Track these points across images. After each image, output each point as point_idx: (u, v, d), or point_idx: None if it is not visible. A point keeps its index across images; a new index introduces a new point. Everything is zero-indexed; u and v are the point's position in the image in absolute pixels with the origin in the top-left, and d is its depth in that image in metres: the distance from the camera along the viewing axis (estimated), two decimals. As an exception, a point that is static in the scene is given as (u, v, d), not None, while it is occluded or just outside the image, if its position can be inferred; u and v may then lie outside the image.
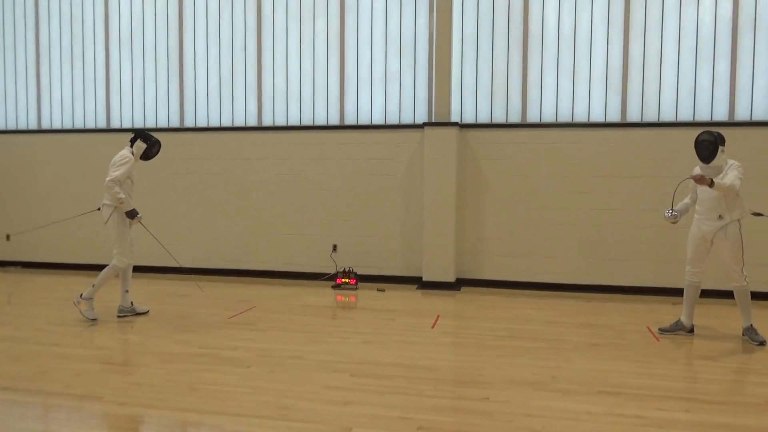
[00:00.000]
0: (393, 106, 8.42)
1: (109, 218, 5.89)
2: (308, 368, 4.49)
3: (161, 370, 4.45)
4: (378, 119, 8.46)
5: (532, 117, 7.99)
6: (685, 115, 7.60)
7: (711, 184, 5.00)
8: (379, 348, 5.09)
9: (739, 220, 5.23)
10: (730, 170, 5.16)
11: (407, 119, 8.36)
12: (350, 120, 8.54)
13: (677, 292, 6.21)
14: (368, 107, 8.49)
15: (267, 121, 8.83)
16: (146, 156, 6.08)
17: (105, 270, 5.91)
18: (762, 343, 5.22)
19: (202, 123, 9.06)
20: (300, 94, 8.71)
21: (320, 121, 8.65)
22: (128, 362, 4.72)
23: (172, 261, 7.98)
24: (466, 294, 7.67)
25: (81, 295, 5.95)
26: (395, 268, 8.30)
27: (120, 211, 5.87)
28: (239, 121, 8.92)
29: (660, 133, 7.53)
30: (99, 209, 6.06)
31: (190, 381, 4.19)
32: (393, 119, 8.41)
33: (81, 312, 5.94)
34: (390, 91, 8.41)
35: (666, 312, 6.47)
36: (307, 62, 8.67)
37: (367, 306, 6.94)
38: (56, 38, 9.55)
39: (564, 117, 7.91)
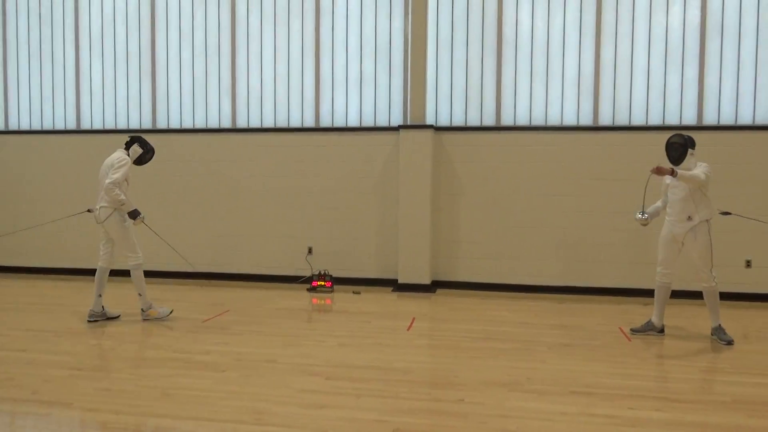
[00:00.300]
0: (368, 109, 8.42)
1: (106, 220, 5.85)
2: (283, 372, 4.46)
3: (133, 375, 4.38)
4: (353, 121, 8.46)
5: (507, 120, 8.07)
6: (655, 119, 7.75)
7: (672, 172, 5.09)
8: (354, 351, 5.09)
9: (708, 221, 5.34)
10: (696, 169, 5.26)
11: (382, 122, 8.38)
12: (325, 122, 8.52)
13: (649, 293, 6.31)
14: (343, 109, 8.49)
15: (241, 123, 8.77)
16: (140, 161, 6.10)
17: (133, 276, 5.98)
18: (730, 343, 5.34)
19: (174, 125, 8.95)
20: (275, 96, 8.66)
21: (295, 123, 8.62)
22: (99, 368, 4.64)
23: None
24: (441, 296, 7.70)
25: (142, 311, 6.08)
26: (371, 271, 8.30)
27: (120, 212, 5.86)
28: (213, 123, 8.84)
29: (631, 136, 7.66)
30: (89, 210, 6.14)
31: (163, 386, 4.13)
32: (368, 122, 8.42)
33: (157, 319, 6.04)
34: (365, 94, 8.42)
35: (637, 312, 6.58)
36: (282, 64, 8.63)
37: (343, 309, 6.93)
38: (24, 37, 9.35)
39: (537, 120, 8.01)
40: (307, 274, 8.28)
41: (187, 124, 8.92)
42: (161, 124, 8.98)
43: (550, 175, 7.84)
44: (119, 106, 9.11)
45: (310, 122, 8.58)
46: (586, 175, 7.74)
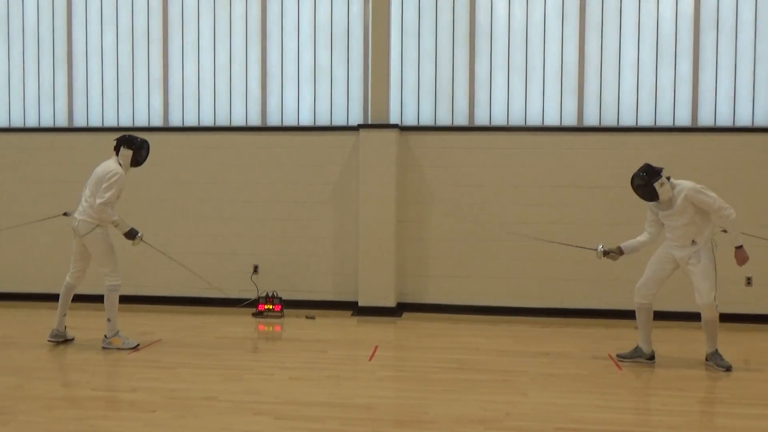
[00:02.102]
0: (323, 106, 8.43)
1: (87, 235, 5.92)
2: (224, 411, 4.41)
3: (44, 418, 4.26)
4: (306, 120, 8.45)
5: (481, 119, 8.18)
6: (645, 120, 7.97)
7: (740, 248, 5.55)
8: (308, 385, 5.05)
9: (711, 240, 5.55)
10: (695, 200, 5.40)
11: (340, 120, 8.39)
12: (273, 121, 8.49)
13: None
14: (294, 106, 8.47)
15: (174, 121, 8.67)
16: (135, 163, 6.16)
17: (107, 298, 6.04)
18: (728, 369, 5.49)
19: (95, 123, 8.79)
20: (214, 90, 8.60)
21: (238, 121, 8.56)
22: (2, 410, 4.49)
23: (55, 287, 7.65)
24: (408, 320, 7.72)
25: (105, 336, 6.09)
26: (327, 292, 8.26)
27: (103, 228, 5.95)
28: (141, 121, 8.72)
29: (619, 138, 7.85)
30: (66, 214, 6.32)
31: (81, 431, 4.03)
32: (323, 120, 8.42)
33: (120, 348, 6.04)
34: (320, 89, 8.42)
35: (630, 337, 6.69)
36: (223, 52, 8.58)
37: (295, 336, 6.89)
38: None
39: (516, 120, 8.14)
40: (253, 296, 8.20)
41: (110, 122, 8.77)
42: (79, 122, 8.81)
43: (529, 181, 7.96)
44: (29, 100, 8.90)
45: (255, 120, 8.53)
46: (570, 181, 7.89)
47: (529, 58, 8.11)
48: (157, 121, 8.70)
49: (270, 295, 7.94)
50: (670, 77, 7.92)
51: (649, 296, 5.73)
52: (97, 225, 5.93)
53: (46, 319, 7.47)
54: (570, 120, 8.06)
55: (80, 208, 6.01)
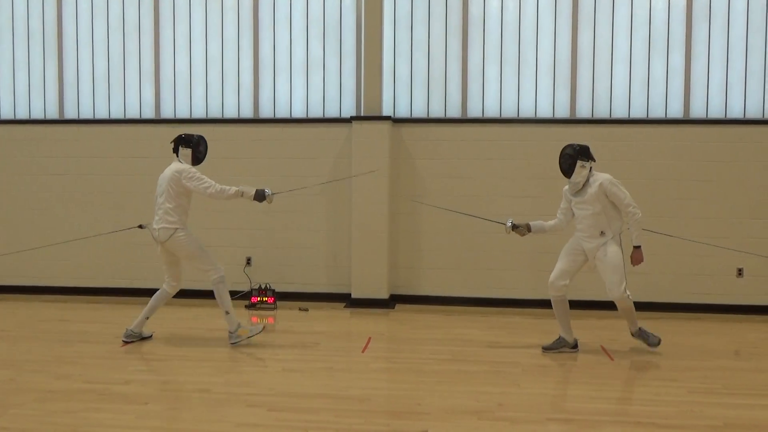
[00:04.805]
0: (316, 98, 8.41)
1: (169, 240, 5.87)
2: (218, 403, 4.41)
3: (37, 411, 4.26)
4: (298, 112, 8.43)
5: (474, 111, 8.18)
6: (638, 112, 7.98)
7: (637, 249, 5.69)
8: (301, 377, 5.06)
9: (619, 235, 5.70)
10: (608, 191, 5.57)
11: (332, 112, 8.37)
12: (266, 113, 8.46)
13: (639, 306, 6.52)
14: (287, 98, 8.45)
15: (166, 113, 8.63)
16: (197, 159, 6.12)
17: (216, 293, 5.96)
18: (658, 342, 5.77)
19: (86, 114, 8.74)
20: (206, 82, 8.56)
21: (230, 113, 8.54)
22: (-5, 403, 4.49)
23: (53, 279, 7.64)
24: (401, 312, 7.73)
25: (230, 332, 6.02)
26: (320, 284, 8.27)
27: (183, 230, 5.90)
28: (132, 113, 8.67)
29: (612, 130, 7.87)
30: (141, 227, 6.43)
31: (73, 423, 4.03)
32: (316, 112, 8.40)
33: (249, 337, 5.99)
34: (312, 80, 8.40)
35: (622, 328, 6.73)
36: (214, 44, 8.54)
37: (288, 328, 6.90)
38: None
39: (508, 112, 8.14)
40: (246, 288, 8.19)
41: (102, 113, 8.72)
42: (70, 114, 8.75)
43: (522, 173, 7.98)
44: (18, 92, 8.84)
45: (247, 112, 8.51)
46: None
47: (521, 51, 8.11)
48: (148, 113, 8.66)
49: (263, 287, 7.93)
50: (662, 69, 7.94)
51: (563, 288, 5.85)
52: (177, 228, 5.87)
53: (37, 312, 7.48)
54: (562, 112, 8.07)
55: (156, 217, 5.96)
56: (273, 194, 6.00)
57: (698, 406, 4.46)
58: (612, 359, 5.64)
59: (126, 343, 6.02)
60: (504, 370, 5.25)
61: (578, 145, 5.74)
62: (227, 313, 5.99)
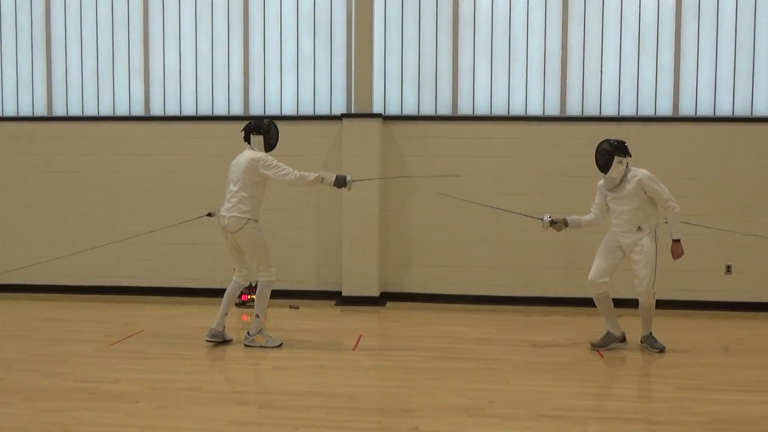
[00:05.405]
0: (306, 95, 8.39)
1: (239, 231, 5.70)
2: (208, 401, 4.40)
3: (26, 410, 4.23)
4: (289, 109, 8.41)
5: (464, 109, 8.19)
6: (627, 109, 8.02)
7: (677, 241, 5.69)
8: (292, 375, 5.06)
9: (655, 230, 5.71)
10: (647, 186, 5.58)
11: (323, 109, 8.36)
12: (256, 110, 8.44)
13: (625, 303, 6.59)
14: (277, 95, 8.43)
15: (156, 110, 8.59)
16: (269, 146, 5.96)
17: (259, 293, 5.90)
18: (662, 350, 5.72)
19: (74, 112, 8.69)
20: (196, 79, 8.53)
21: (220, 110, 8.51)
22: (-17, 402, 4.46)
23: (39, 277, 7.59)
24: (391, 310, 7.74)
25: (248, 333, 5.90)
26: (310, 282, 8.26)
27: (255, 222, 5.75)
28: (122, 110, 8.63)
29: (602, 127, 7.85)
30: (210, 215, 6.31)
31: (63, 422, 4.00)
32: (306, 109, 8.39)
33: (263, 346, 5.82)
34: (303, 77, 8.38)
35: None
36: (204, 40, 8.50)
37: (278, 326, 6.87)
38: None
39: (499, 109, 8.16)
40: (236, 286, 8.16)
41: (90, 111, 8.67)
42: (58, 111, 8.70)
43: (513, 171, 7.99)
44: (6, 89, 8.78)
45: (237, 109, 8.48)
46: (553, 171, 7.93)
47: (512, 48, 8.12)
48: (138, 110, 8.61)
49: (252, 285, 7.89)
50: (651, 67, 7.97)
51: (603, 285, 5.82)
52: (249, 219, 5.70)
53: (24, 310, 7.44)
54: (553, 109, 8.09)
55: (227, 205, 5.77)
56: (354, 181, 5.86)
57: (687, 402, 4.49)
58: (602, 357, 5.66)
59: (210, 342, 5.87)
60: (495, 367, 5.27)
61: (615, 140, 5.70)
62: (257, 316, 5.89)
